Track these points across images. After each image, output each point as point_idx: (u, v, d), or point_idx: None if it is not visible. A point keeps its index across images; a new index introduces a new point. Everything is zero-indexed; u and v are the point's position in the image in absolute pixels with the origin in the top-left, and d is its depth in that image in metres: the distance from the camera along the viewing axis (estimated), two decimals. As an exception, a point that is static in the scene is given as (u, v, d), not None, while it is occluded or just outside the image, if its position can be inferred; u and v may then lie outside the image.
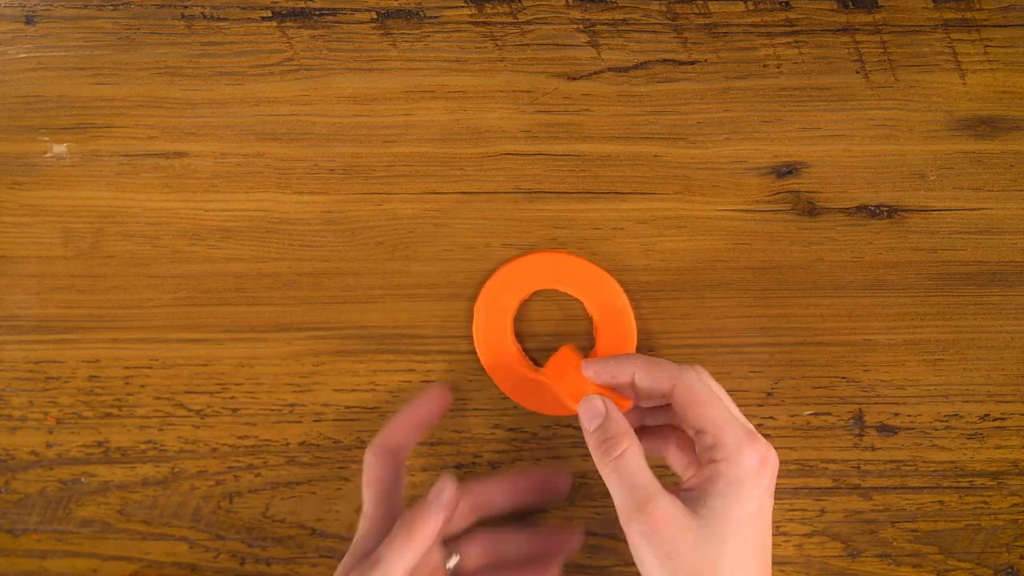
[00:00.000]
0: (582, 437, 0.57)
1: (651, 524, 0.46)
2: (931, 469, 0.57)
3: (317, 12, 0.53)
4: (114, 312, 0.57)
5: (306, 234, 0.56)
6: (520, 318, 0.56)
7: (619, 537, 0.58)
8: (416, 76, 0.54)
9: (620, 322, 0.55)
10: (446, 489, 0.51)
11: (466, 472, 0.58)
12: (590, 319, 0.56)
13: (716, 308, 0.56)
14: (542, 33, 0.53)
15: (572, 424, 0.57)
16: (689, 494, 0.47)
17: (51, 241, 0.56)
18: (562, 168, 0.55)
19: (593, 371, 0.51)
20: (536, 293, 0.56)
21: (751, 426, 0.48)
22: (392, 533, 0.50)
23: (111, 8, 0.54)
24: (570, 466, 0.57)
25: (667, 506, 0.46)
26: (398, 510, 0.52)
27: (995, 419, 0.57)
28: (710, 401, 0.48)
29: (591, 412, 0.49)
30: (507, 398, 0.57)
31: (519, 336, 0.56)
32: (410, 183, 0.55)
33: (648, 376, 0.49)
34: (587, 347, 0.56)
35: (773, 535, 0.57)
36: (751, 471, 0.46)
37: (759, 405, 0.57)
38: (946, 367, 0.56)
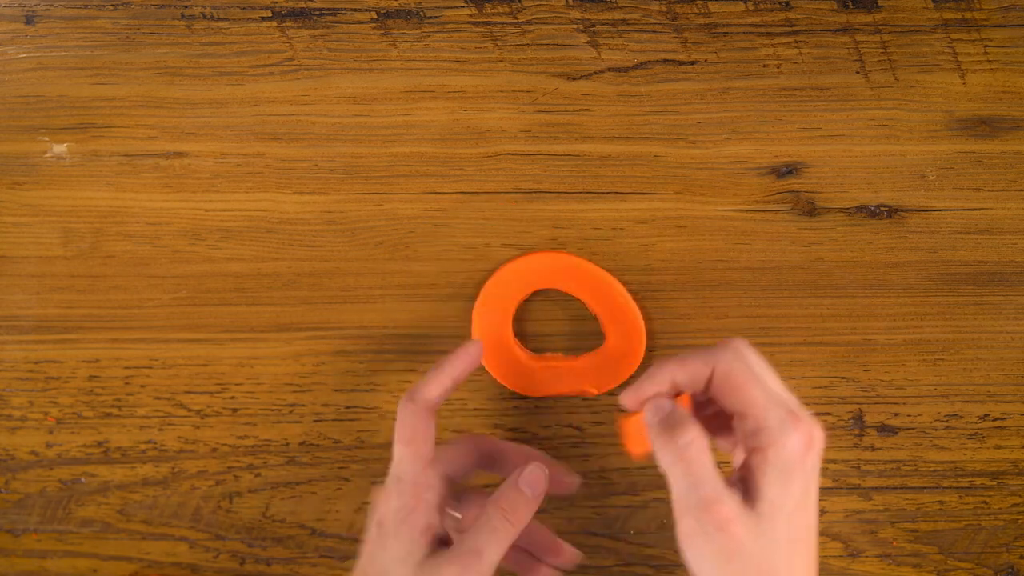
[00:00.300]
0: (582, 437, 0.57)
1: (717, 523, 0.44)
2: (931, 469, 0.57)
3: (317, 12, 0.53)
4: (114, 312, 0.57)
5: (306, 234, 0.56)
6: (521, 319, 0.56)
7: (619, 537, 0.58)
8: (416, 76, 0.54)
9: (627, 318, 0.55)
10: (540, 481, 0.49)
11: (466, 472, 0.58)
12: (595, 318, 0.56)
13: (716, 308, 0.56)
14: (542, 33, 0.53)
15: (572, 424, 0.57)
16: (740, 487, 0.45)
17: (51, 241, 0.56)
18: (562, 168, 0.55)
19: (631, 399, 0.47)
20: (536, 293, 0.56)
21: (795, 401, 0.46)
22: (488, 519, 0.47)
23: (111, 8, 0.54)
24: (569, 466, 0.57)
25: (734, 506, 0.44)
26: (428, 465, 0.50)
27: (995, 419, 0.57)
28: (748, 383, 0.46)
29: (655, 407, 0.47)
30: (507, 398, 0.57)
31: (520, 337, 0.56)
32: (410, 183, 0.55)
33: (686, 374, 0.47)
34: (596, 345, 0.56)
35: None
36: (797, 455, 0.44)
37: (759, 405, 0.57)
38: (946, 367, 0.56)
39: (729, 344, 0.46)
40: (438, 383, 0.50)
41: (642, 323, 0.55)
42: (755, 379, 0.46)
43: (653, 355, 0.56)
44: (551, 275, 0.55)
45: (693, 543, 0.44)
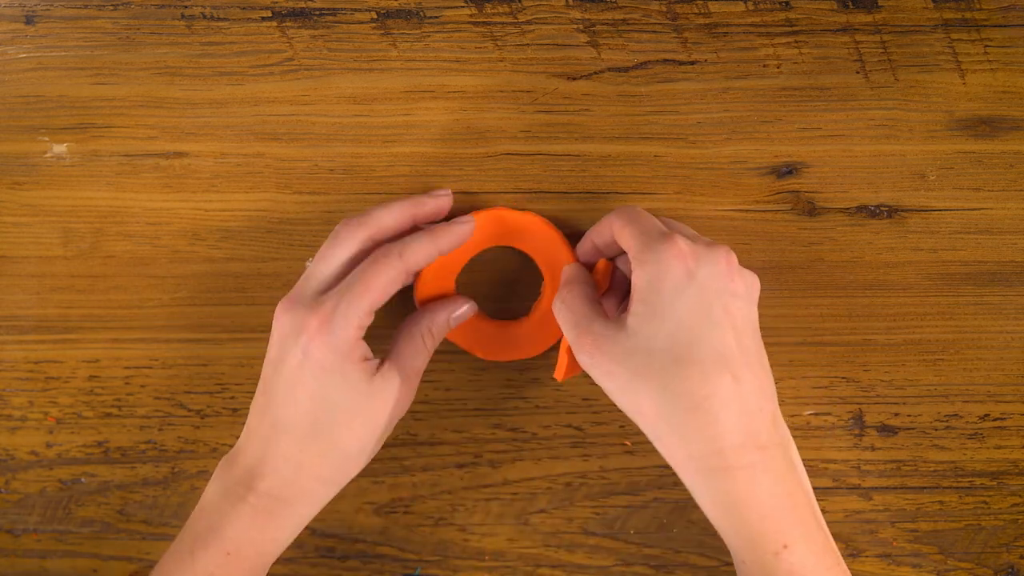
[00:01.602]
0: (582, 437, 0.57)
1: (588, 348, 0.46)
2: (931, 469, 0.57)
3: (317, 12, 0.53)
4: (114, 312, 0.57)
5: (306, 234, 0.56)
6: (465, 269, 0.56)
7: (619, 537, 0.58)
8: (416, 76, 0.54)
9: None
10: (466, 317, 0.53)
11: (466, 472, 0.58)
12: (539, 273, 0.55)
13: (716, 308, 0.56)
14: (542, 33, 0.53)
15: (572, 424, 0.57)
16: (623, 316, 0.47)
17: (51, 241, 0.56)
18: (562, 168, 0.55)
19: (580, 252, 0.53)
20: (485, 251, 0.55)
21: (687, 232, 0.49)
22: (420, 340, 0.51)
23: (111, 8, 0.54)
24: (570, 466, 0.58)
25: (600, 328, 0.46)
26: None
27: (995, 419, 0.57)
28: (626, 225, 0.48)
29: (563, 271, 0.52)
30: (507, 398, 0.57)
31: (462, 286, 0.56)
32: (410, 183, 0.55)
33: (599, 237, 0.51)
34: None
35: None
36: (660, 272, 0.45)
37: (759, 405, 0.57)
38: (946, 367, 0.56)
39: (624, 206, 0.50)
40: (425, 251, 0.50)
41: None
42: (633, 221, 0.48)
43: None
44: (498, 232, 0.54)
45: (592, 376, 0.47)
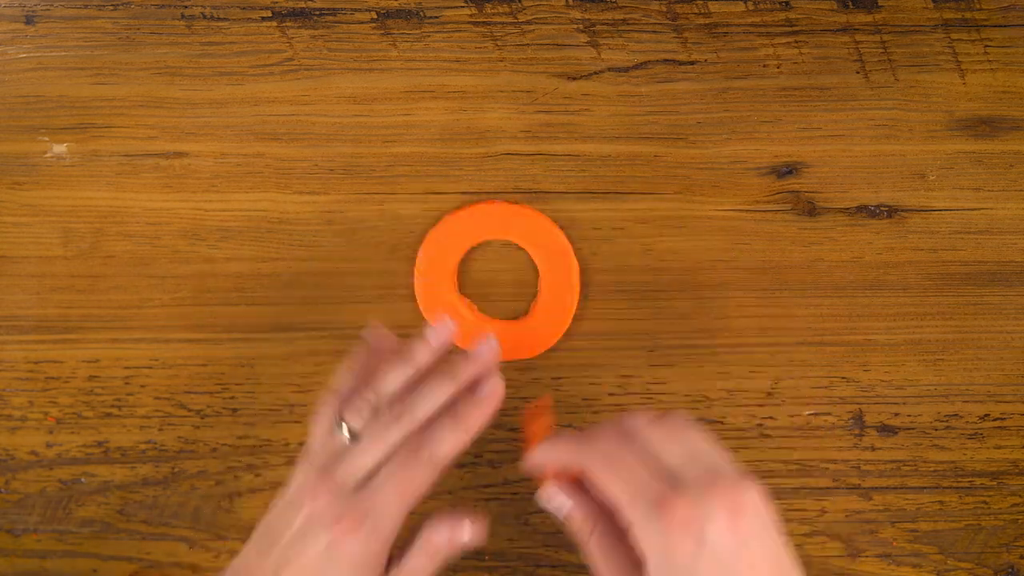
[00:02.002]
0: (582, 437, 0.57)
1: None
2: (931, 469, 0.57)
3: (317, 12, 0.53)
4: (114, 312, 0.57)
5: (306, 234, 0.56)
6: (464, 269, 0.56)
7: (619, 537, 0.58)
8: (416, 76, 0.54)
9: (563, 268, 0.55)
10: (456, 535, 0.49)
11: (466, 472, 0.58)
12: (535, 270, 0.55)
13: (716, 308, 0.56)
14: (542, 33, 0.53)
15: (572, 424, 0.57)
16: None
17: (51, 241, 0.56)
18: (562, 168, 0.55)
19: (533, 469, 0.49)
20: (482, 244, 0.55)
21: (677, 475, 0.43)
22: (423, 544, 0.49)
23: (111, 8, 0.54)
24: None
25: None
26: None
27: (995, 419, 0.57)
28: (607, 476, 0.44)
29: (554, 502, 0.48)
30: (507, 398, 0.57)
31: (462, 287, 0.56)
32: (410, 183, 0.55)
33: (560, 461, 0.47)
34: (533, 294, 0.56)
35: (773, 535, 0.57)
36: (670, 547, 0.41)
37: (759, 405, 0.57)
38: (946, 367, 0.56)
39: (600, 429, 0.46)
40: (454, 444, 0.48)
41: (576, 276, 0.55)
42: (614, 469, 0.44)
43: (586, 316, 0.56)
44: (495, 226, 0.55)
45: None
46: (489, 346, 0.50)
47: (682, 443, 0.44)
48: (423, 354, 0.49)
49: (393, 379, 0.49)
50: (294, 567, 0.47)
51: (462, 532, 0.49)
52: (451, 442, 0.48)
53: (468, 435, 0.49)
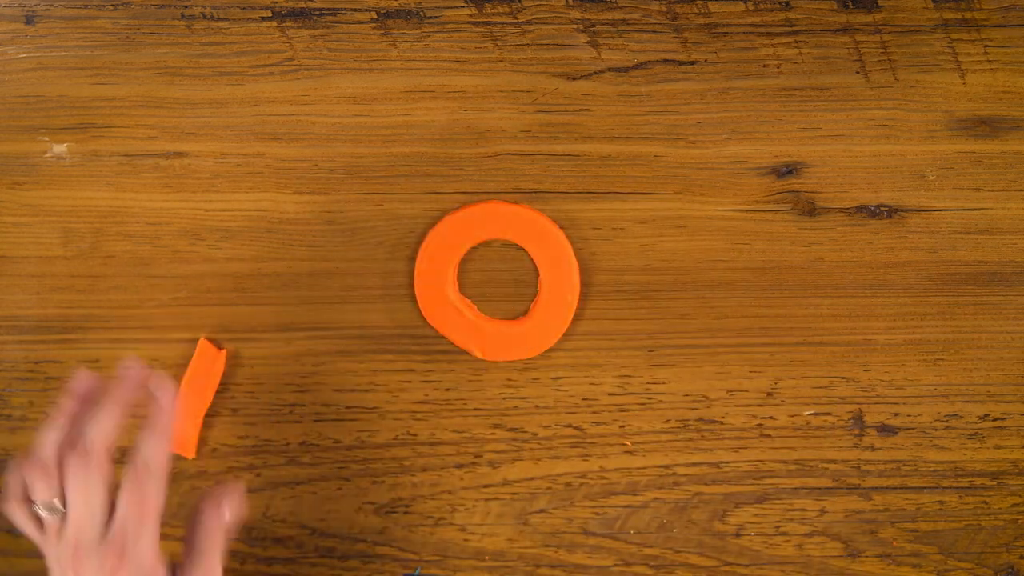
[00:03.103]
0: (581, 438, 0.57)
1: None
2: (931, 469, 0.57)
3: (317, 12, 0.53)
4: (114, 312, 0.57)
5: (306, 234, 0.56)
6: (464, 269, 0.56)
7: (619, 537, 0.58)
8: (416, 76, 0.54)
9: (563, 268, 0.55)
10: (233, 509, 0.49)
11: (466, 472, 0.58)
12: (536, 270, 0.55)
13: (716, 308, 0.56)
14: (542, 33, 0.53)
15: (572, 424, 0.57)
16: None
17: (51, 241, 0.56)
18: (562, 168, 0.55)
19: None
20: (482, 244, 0.55)
21: None
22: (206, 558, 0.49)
23: (111, 8, 0.54)
24: (569, 466, 0.57)
25: None
26: None
27: (995, 419, 0.57)
28: None
29: None
30: (507, 398, 0.57)
31: (462, 287, 0.56)
32: (410, 183, 0.55)
33: None
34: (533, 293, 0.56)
35: (773, 535, 0.58)
36: None
37: (759, 405, 0.57)
38: (946, 367, 0.56)
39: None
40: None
41: (577, 278, 0.55)
42: None
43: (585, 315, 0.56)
44: (494, 226, 0.55)
45: None
46: (131, 364, 0.49)
47: None
48: (70, 405, 0.48)
49: (50, 437, 0.47)
50: None
51: (225, 513, 0.49)
52: (160, 449, 0.47)
53: (167, 436, 0.48)
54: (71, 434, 0.47)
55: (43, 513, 0.47)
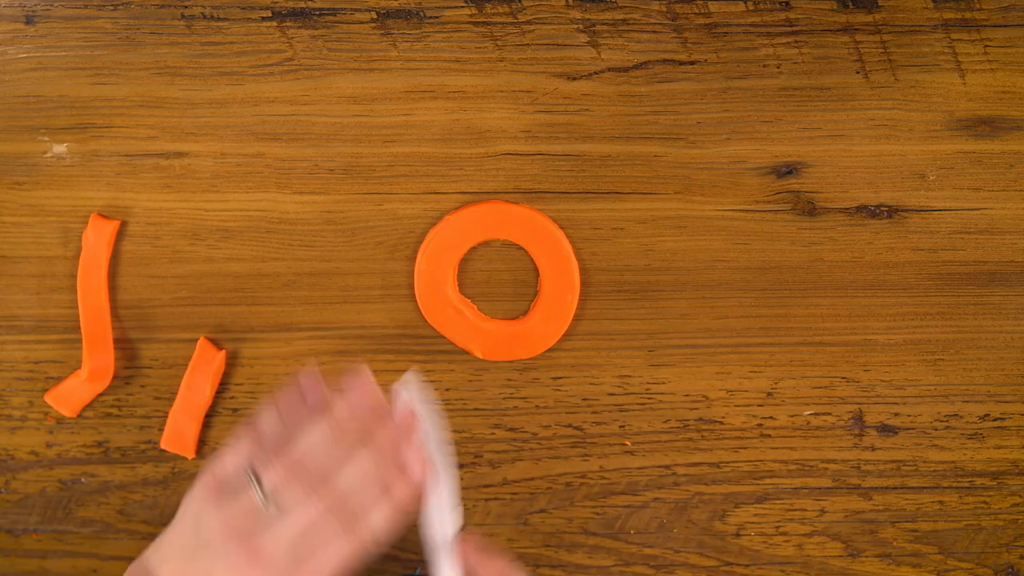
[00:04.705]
0: (581, 438, 0.57)
1: None
2: (931, 469, 0.57)
3: (317, 12, 0.53)
4: (114, 312, 0.57)
5: (306, 234, 0.56)
6: (464, 269, 0.56)
7: (619, 537, 0.58)
8: (416, 76, 0.54)
9: (563, 268, 0.55)
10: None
11: (466, 472, 0.58)
12: (536, 270, 0.55)
13: (716, 308, 0.56)
14: (542, 33, 0.53)
15: (572, 424, 0.57)
16: None
17: (51, 241, 0.56)
18: (562, 168, 0.55)
19: None
20: (482, 244, 0.55)
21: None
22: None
23: (111, 8, 0.54)
24: (569, 466, 0.58)
25: None
26: None
27: (995, 419, 0.57)
28: None
29: None
30: (507, 398, 0.57)
31: (462, 287, 0.56)
32: (410, 183, 0.55)
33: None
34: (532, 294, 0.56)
35: (773, 535, 0.58)
36: None
37: (759, 405, 0.57)
38: (946, 367, 0.56)
39: None
40: (391, 519, 0.48)
41: (577, 278, 0.55)
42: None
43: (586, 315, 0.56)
44: (495, 226, 0.55)
45: None
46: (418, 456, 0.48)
47: None
48: (345, 414, 0.48)
49: (314, 440, 0.47)
50: None
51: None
52: (385, 518, 0.47)
53: (399, 511, 0.47)
54: (283, 438, 0.47)
55: (253, 484, 0.47)
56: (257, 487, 0.47)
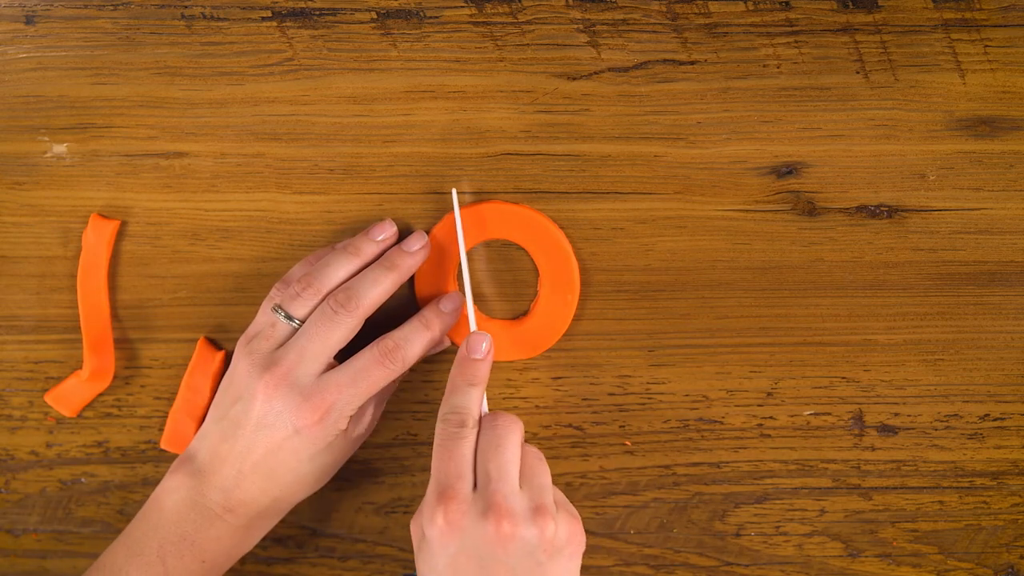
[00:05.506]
0: (581, 438, 0.57)
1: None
2: (931, 469, 0.57)
3: (317, 12, 0.53)
4: (114, 312, 0.57)
5: (306, 234, 0.56)
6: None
7: (619, 537, 0.58)
8: (416, 76, 0.54)
9: (563, 268, 0.55)
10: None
11: (466, 472, 0.58)
12: (536, 270, 0.56)
13: (716, 308, 0.56)
14: (542, 33, 0.53)
15: (572, 424, 0.57)
16: None
17: (51, 241, 0.56)
18: (562, 168, 0.55)
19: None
20: (482, 244, 0.55)
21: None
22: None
23: (111, 8, 0.54)
24: (569, 466, 0.58)
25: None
26: None
27: (995, 419, 0.57)
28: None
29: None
30: (507, 398, 0.57)
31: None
32: (410, 183, 0.55)
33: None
34: (532, 295, 0.56)
35: (773, 535, 0.58)
36: (427, 533, 0.48)
37: (759, 405, 0.57)
38: (946, 367, 0.56)
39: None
40: (424, 346, 0.52)
41: (577, 278, 0.55)
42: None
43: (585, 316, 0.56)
44: (495, 226, 0.55)
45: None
46: (419, 237, 0.53)
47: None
48: (368, 248, 0.52)
49: (335, 270, 0.51)
50: (259, 448, 0.49)
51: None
52: (422, 345, 0.52)
53: (435, 340, 0.53)
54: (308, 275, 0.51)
55: (281, 317, 0.50)
56: (282, 314, 0.50)
